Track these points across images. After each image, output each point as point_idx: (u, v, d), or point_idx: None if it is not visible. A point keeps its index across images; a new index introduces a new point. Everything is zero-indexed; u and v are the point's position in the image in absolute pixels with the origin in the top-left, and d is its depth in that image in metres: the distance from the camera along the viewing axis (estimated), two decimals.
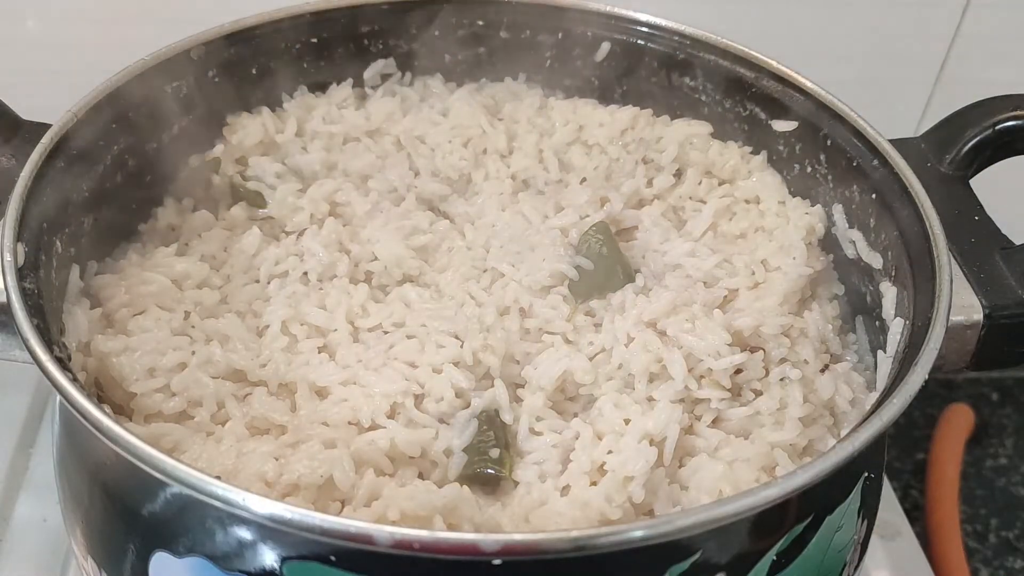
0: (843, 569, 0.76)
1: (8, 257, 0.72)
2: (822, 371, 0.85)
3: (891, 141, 0.89)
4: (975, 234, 0.86)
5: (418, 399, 0.78)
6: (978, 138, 0.91)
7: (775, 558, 0.68)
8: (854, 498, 0.74)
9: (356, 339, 0.83)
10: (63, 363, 0.68)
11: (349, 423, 0.76)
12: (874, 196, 0.88)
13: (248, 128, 0.98)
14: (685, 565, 0.64)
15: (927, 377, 0.69)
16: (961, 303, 0.80)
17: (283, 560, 0.63)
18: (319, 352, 0.82)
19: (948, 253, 0.79)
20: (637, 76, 1.04)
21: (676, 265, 0.89)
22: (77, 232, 0.84)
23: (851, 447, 0.64)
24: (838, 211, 0.94)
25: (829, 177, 0.94)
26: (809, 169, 0.96)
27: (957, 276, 0.81)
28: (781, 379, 0.81)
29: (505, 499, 0.75)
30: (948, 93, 1.37)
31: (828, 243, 0.95)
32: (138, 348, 0.78)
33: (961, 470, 1.39)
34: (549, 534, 0.59)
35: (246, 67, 0.98)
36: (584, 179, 0.97)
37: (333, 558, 0.61)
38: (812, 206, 0.95)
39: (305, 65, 1.02)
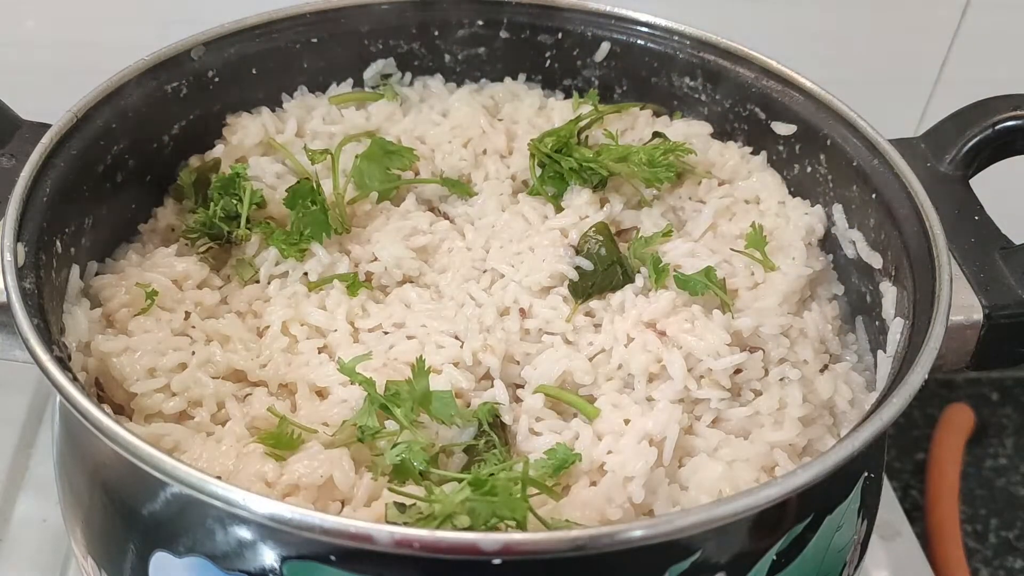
0: (843, 569, 0.76)
1: (8, 257, 0.72)
2: (821, 371, 0.85)
3: (891, 141, 0.89)
4: (975, 234, 0.86)
5: None
6: (978, 138, 0.91)
7: (775, 558, 0.68)
8: (854, 498, 0.74)
9: (356, 339, 0.83)
10: (63, 363, 0.68)
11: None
12: (874, 196, 0.88)
13: (248, 128, 0.98)
14: (685, 565, 0.64)
15: (927, 377, 0.69)
16: (961, 303, 0.80)
17: (283, 560, 0.63)
18: (319, 352, 0.82)
19: (948, 253, 0.79)
20: (637, 76, 1.04)
21: (676, 265, 0.89)
22: (77, 232, 0.84)
23: (851, 447, 0.64)
24: (838, 211, 0.94)
25: (829, 177, 0.94)
26: (809, 169, 0.96)
27: (957, 276, 0.81)
28: (781, 379, 0.82)
29: None
30: (948, 93, 1.37)
31: (828, 243, 0.95)
32: (138, 348, 0.78)
33: (961, 470, 1.39)
34: (549, 534, 0.59)
35: (246, 67, 0.98)
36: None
37: (333, 558, 0.61)
38: (812, 206, 0.95)
39: (305, 65, 1.02)
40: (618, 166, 0.93)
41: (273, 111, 1.01)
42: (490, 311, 0.83)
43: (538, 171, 0.95)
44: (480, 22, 1.04)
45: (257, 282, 0.88)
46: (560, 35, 1.04)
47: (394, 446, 0.71)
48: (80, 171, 0.83)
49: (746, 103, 0.99)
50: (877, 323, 0.87)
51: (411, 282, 0.89)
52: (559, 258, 0.86)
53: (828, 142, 0.93)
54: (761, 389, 0.81)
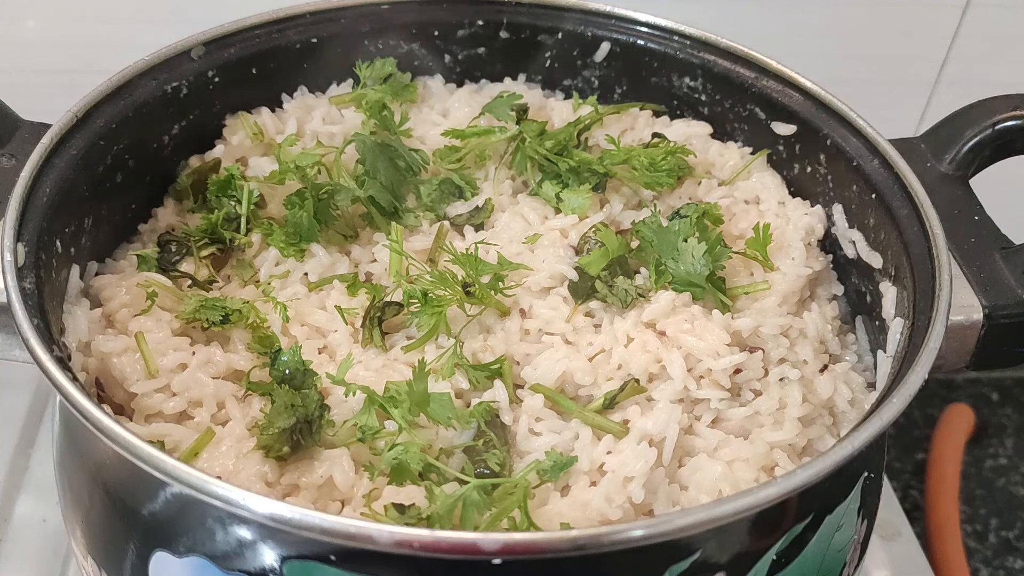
0: (843, 569, 0.76)
1: (8, 257, 0.72)
2: (821, 371, 0.85)
3: (891, 141, 0.89)
4: (975, 234, 0.86)
5: None
6: (978, 138, 0.92)
7: (775, 558, 0.68)
8: (854, 498, 0.74)
9: (356, 340, 0.83)
10: (63, 363, 0.68)
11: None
12: (874, 196, 0.88)
13: (248, 128, 0.98)
14: (685, 565, 0.64)
15: (927, 377, 0.69)
16: (961, 303, 0.80)
17: (283, 560, 0.63)
18: (319, 353, 0.82)
19: (948, 253, 0.79)
20: (637, 76, 1.04)
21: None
22: (77, 232, 0.84)
23: (851, 447, 0.64)
24: (838, 211, 0.94)
25: (829, 177, 0.94)
26: (809, 169, 0.96)
27: (957, 276, 0.81)
28: (780, 379, 0.82)
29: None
30: (948, 93, 1.37)
31: (828, 243, 0.95)
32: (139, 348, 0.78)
33: (961, 470, 1.39)
34: (549, 534, 0.59)
35: (246, 67, 0.98)
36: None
37: (333, 558, 0.61)
38: (812, 206, 0.95)
39: (305, 65, 1.02)
40: (619, 169, 0.93)
41: (273, 111, 1.01)
42: (490, 311, 0.83)
43: (538, 173, 0.95)
44: (480, 22, 1.04)
45: (257, 282, 0.88)
46: (560, 35, 1.04)
47: (391, 448, 0.71)
48: (80, 171, 0.83)
49: (746, 103, 0.99)
50: (877, 323, 0.87)
51: (411, 283, 0.89)
52: (559, 258, 0.86)
53: (828, 142, 0.93)
54: (761, 389, 0.81)
